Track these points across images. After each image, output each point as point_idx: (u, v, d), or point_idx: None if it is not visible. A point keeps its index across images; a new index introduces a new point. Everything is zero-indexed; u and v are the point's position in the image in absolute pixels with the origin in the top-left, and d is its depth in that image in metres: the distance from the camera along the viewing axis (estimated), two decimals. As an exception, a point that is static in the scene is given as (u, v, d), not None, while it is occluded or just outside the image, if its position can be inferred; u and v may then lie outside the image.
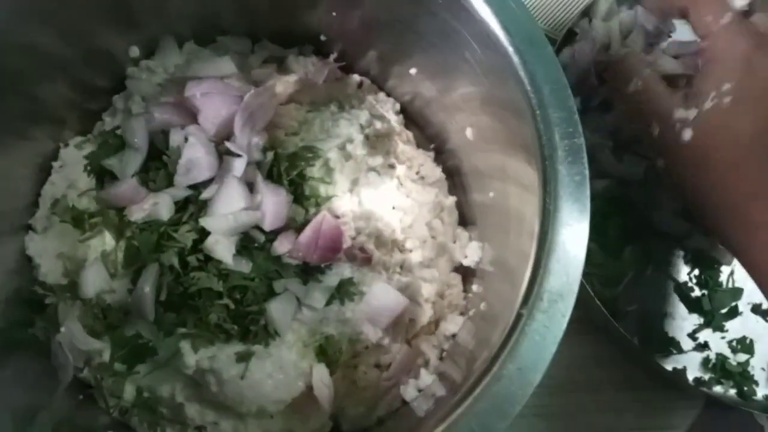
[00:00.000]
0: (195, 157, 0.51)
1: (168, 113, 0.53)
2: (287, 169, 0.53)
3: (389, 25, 0.60)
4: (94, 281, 0.53)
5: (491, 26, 0.47)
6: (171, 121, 0.53)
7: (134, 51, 0.62)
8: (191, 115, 0.54)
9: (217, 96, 0.53)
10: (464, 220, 0.66)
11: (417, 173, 0.65)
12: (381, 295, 0.54)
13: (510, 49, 0.46)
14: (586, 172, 0.43)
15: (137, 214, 0.52)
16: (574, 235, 0.42)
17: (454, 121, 0.64)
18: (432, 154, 0.68)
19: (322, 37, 0.66)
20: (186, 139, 0.52)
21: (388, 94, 0.69)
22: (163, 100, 0.57)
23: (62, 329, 0.54)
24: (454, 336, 0.60)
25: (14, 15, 0.50)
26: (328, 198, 0.55)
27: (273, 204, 0.50)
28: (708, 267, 0.71)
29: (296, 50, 0.67)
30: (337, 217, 0.55)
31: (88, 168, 0.58)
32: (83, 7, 0.55)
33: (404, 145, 0.66)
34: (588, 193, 0.43)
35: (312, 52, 0.67)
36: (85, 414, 0.56)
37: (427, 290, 0.60)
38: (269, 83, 0.56)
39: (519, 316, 0.41)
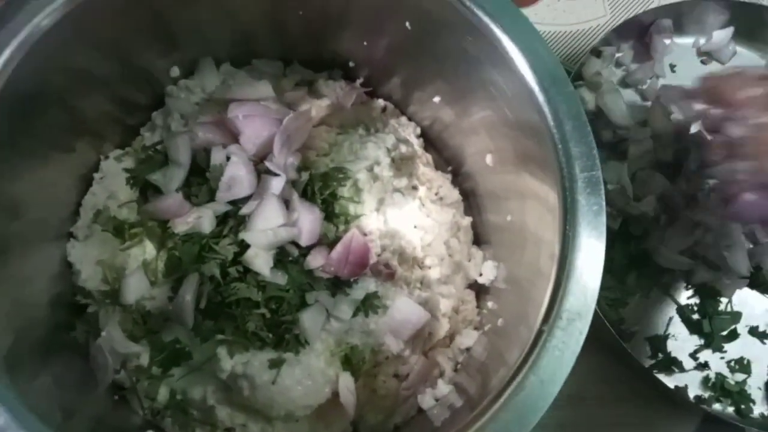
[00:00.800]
0: (236, 174, 0.55)
1: (211, 132, 0.57)
2: (321, 188, 0.56)
3: (415, 54, 0.64)
4: (136, 288, 0.57)
5: (518, 64, 0.51)
6: (213, 140, 0.57)
7: (175, 71, 0.66)
8: (232, 135, 0.57)
9: (258, 118, 0.56)
10: (477, 240, 0.70)
11: (436, 194, 0.69)
12: (404, 309, 0.58)
13: (536, 87, 0.50)
14: (603, 203, 0.47)
15: (181, 226, 0.55)
16: (591, 259, 0.46)
17: (471, 145, 0.68)
18: (449, 176, 0.71)
19: (351, 63, 0.70)
20: (228, 158, 0.56)
21: (410, 119, 0.73)
22: (202, 119, 0.60)
23: (103, 333, 0.57)
24: (468, 349, 0.63)
25: (65, 38, 0.53)
26: (357, 216, 0.59)
27: (309, 221, 0.54)
28: (709, 297, 0.74)
29: (326, 74, 0.71)
30: (365, 234, 0.59)
31: (131, 181, 0.61)
32: (128, 30, 0.58)
33: (424, 167, 0.70)
34: (604, 221, 0.47)
35: (341, 77, 0.71)
36: (119, 414, 0.59)
37: (445, 305, 0.63)
38: (305, 107, 0.60)
39: (540, 333, 0.45)
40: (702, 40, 0.87)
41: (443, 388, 0.58)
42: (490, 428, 0.43)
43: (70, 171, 0.63)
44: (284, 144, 0.55)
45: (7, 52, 0.47)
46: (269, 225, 0.53)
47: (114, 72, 0.61)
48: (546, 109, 0.50)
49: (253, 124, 0.56)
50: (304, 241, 0.54)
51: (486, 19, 0.52)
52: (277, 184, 0.54)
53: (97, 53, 0.58)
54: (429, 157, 0.71)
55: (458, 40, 0.57)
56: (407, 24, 0.59)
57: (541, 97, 0.50)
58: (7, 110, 0.48)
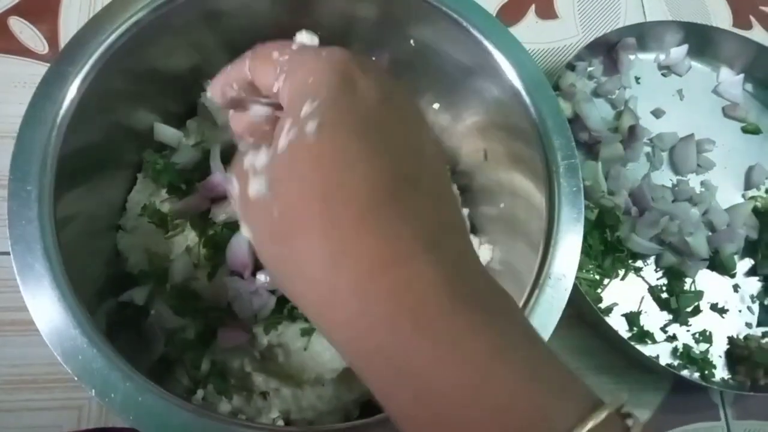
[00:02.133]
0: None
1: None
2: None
3: (416, 67, 0.74)
4: (182, 270, 0.65)
5: (507, 73, 0.61)
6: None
7: (207, 83, 0.75)
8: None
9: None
10: (473, 229, 0.80)
11: (437, 189, 0.79)
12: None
13: (522, 91, 0.60)
14: (581, 184, 0.57)
15: (220, 216, 0.64)
16: (572, 231, 0.56)
17: (465, 146, 0.78)
18: (448, 173, 0.81)
19: (360, 76, 0.80)
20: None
21: (411, 124, 0.83)
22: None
23: (152, 311, 0.65)
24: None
25: (124, 59, 0.61)
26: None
27: None
28: (675, 278, 0.85)
29: (338, 86, 0.81)
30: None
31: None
32: (171, 52, 0.68)
33: (426, 166, 0.79)
34: (582, 199, 0.57)
35: (350, 88, 0.81)
36: (165, 383, 0.67)
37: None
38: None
39: (533, 290, 0.54)
40: (662, 56, 0.99)
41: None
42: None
43: (119, 172, 0.71)
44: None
45: (84, 71, 0.56)
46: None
47: (155, 87, 0.70)
48: (531, 109, 0.60)
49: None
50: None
51: (480, 37, 0.62)
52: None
53: (144, 71, 0.67)
54: (429, 157, 0.81)
55: (456, 56, 0.68)
56: (411, 42, 0.70)
57: (527, 99, 0.60)
58: (81, 118, 0.57)
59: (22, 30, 0.87)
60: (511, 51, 0.61)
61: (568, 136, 0.58)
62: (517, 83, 0.61)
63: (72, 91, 0.55)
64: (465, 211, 0.78)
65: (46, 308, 0.47)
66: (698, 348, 0.82)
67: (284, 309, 0.62)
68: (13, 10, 0.88)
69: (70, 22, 0.88)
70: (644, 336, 0.81)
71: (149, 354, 0.64)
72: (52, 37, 0.87)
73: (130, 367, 0.47)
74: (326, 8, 0.71)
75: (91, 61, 0.56)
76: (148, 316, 0.66)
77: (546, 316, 0.53)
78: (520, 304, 0.55)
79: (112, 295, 0.65)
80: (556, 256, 0.55)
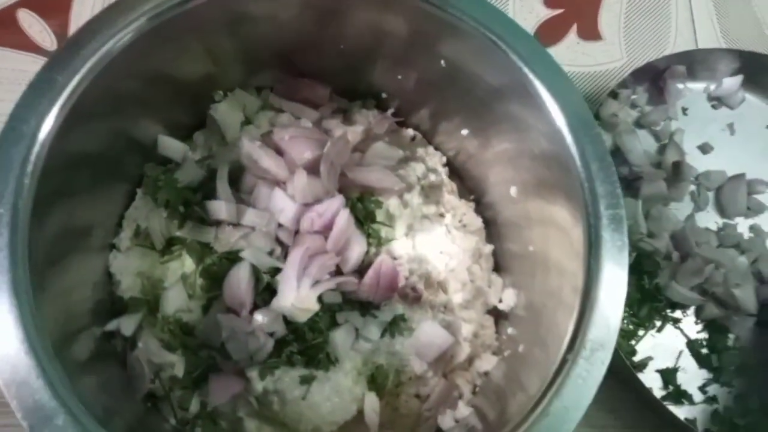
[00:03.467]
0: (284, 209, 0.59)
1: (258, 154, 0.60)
2: (360, 211, 0.59)
3: (445, 89, 0.68)
4: (174, 300, 0.59)
5: (548, 105, 0.54)
6: (260, 164, 0.60)
7: (219, 95, 0.69)
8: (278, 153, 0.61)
9: (302, 139, 0.60)
10: (497, 267, 0.73)
11: (460, 221, 0.72)
12: (429, 332, 0.61)
13: (564, 128, 0.53)
14: (626, 239, 0.50)
15: (223, 246, 0.58)
16: (613, 293, 0.49)
17: (494, 175, 0.71)
18: (473, 204, 0.75)
19: (384, 94, 0.74)
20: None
21: (436, 148, 0.76)
22: (246, 138, 0.64)
23: (139, 344, 0.60)
24: (486, 373, 0.66)
25: (126, 65, 0.56)
26: (389, 240, 0.62)
27: (357, 253, 0.57)
28: (718, 333, 0.77)
29: (359, 103, 0.74)
30: (394, 258, 0.62)
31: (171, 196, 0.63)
32: (179, 59, 0.62)
33: (449, 195, 0.73)
34: (627, 257, 0.50)
35: (373, 106, 0.75)
36: (152, 421, 0.61)
37: (466, 329, 0.66)
38: (342, 133, 0.63)
39: (564, 361, 0.47)
40: (713, 86, 0.91)
41: (463, 409, 0.61)
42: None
43: (117, 187, 0.66)
44: (329, 170, 0.58)
45: (77, 77, 0.50)
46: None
47: (163, 96, 0.65)
48: (573, 149, 0.53)
49: (298, 146, 0.59)
50: (347, 270, 0.57)
51: (519, 63, 0.56)
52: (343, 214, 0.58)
53: (150, 79, 0.61)
54: (454, 185, 0.74)
55: (489, 79, 0.61)
56: (442, 62, 0.63)
57: (569, 137, 0.53)
58: (71, 130, 0.51)
59: (32, 24, 0.83)
60: (554, 80, 0.55)
61: (613, 183, 0.51)
62: (559, 117, 0.54)
63: (60, 102, 0.49)
64: (489, 247, 0.71)
65: (7, 352, 0.42)
66: (741, 412, 0.74)
67: (282, 353, 0.56)
68: (24, 2, 0.83)
69: (82, 18, 0.84)
70: (681, 396, 0.74)
71: (134, 390, 0.59)
72: (62, 33, 0.83)
73: (98, 423, 0.42)
74: (354, 22, 0.65)
75: (85, 68, 0.51)
76: (135, 348, 0.60)
77: (578, 393, 0.46)
78: (548, 376, 0.48)
79: (98, 324, 0.60)
80: (593, 322, 0.48)
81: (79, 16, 0.84)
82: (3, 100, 0.79)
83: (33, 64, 0.81)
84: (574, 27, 0.93)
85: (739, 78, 0.89)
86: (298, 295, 0.53)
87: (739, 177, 0.85)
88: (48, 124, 0.48)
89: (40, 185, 0.48)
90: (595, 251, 0.50)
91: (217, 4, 0.59)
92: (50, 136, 0.48)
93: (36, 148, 0.47)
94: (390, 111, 0.74)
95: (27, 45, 0.82)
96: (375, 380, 0.60)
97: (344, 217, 0.56)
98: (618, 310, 0.49)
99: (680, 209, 0.83)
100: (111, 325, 0.59)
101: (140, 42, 0.56)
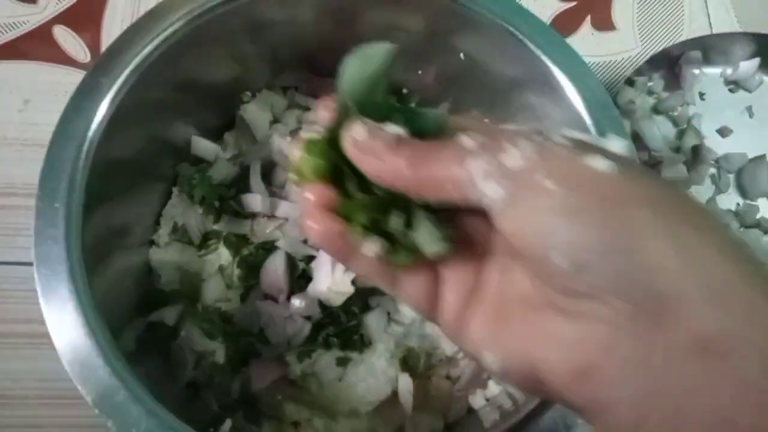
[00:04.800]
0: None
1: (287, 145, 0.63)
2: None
3: (465, 82, 0.70)
4: (213, 291, 0.62)
5: (568, 92, 0.56)
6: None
7: (247, 96, 0.72)
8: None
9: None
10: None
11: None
12: (459, 314, 0.62)
13: (584, 111, 0.55)
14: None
15: (260, 237, 0.61)
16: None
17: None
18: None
19: (404, 90, 0.76)
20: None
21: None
22: (277, 134, 0.66)
23: (182, 333, 0.63)
24: (515, 355, 0.67)
25: (162, 70, 0.59)
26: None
27: None
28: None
29: (381, 99, 0.77)
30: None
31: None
32: (210, 64, 0.65)
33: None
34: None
35: (395, 102, 0.77)
36: (193, 407, 0.64)
37: (494, 313, 0.67)
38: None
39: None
40: (729, 70, 0.92)
41: (494, 388, 0.62)
42: (552, 412, 0.47)
43: (153, 186, 0.69)
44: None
45: (120, 80, 0.54)
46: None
47: (194, 99, 0.68)
48: (593, 130, 0.55)
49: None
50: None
51: (538, 52, 0.58)
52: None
53: (182, 83, 0.64)
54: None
55: (508, 70, 0.63)
56: (461, 55, 0.66)
57: (588, 120, 0.55)
58: (115, 130, 0.54)
59: (66, 39, 0.87)
60: (571, 67, 0.56)
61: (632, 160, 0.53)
62: (578, 103, 0.56)
63: (105, 104, 0.52)
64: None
65: (69, 334, 0.45)
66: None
67: (319, 336, 0.58)
68: (58, 19, 0.87)
69: (112, 31, 0.88)
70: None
71: (177, 378, 0.62)
72: (94, 46, 0.87)
73: (155, 401, 0.44)
74: (371, 20, 0.67)
75: (126, 72, 0.54)
76: (177, 338, 0.63)
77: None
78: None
79: (141, 315, 0.63)
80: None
81: (109, 31, 0.88)
82: (41, 111, 0.83)
83: (68, 76, 0.85)
84: (588, 18, 0.95)
85: (756, 61, 0.90)
86: (333, 280, 0.55)
87: (760, 158, 0.85)
88: (96, 123, 0.51)
89: (89, 183, 0.51)
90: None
91: (238, 13, 0.62)
92: (98, 135, 0.51)
93: (86, 146, 0.50)
94: (411, 106, 0.76)
95: (62, 59, 0.86)
96: (407, 362, 0.63)
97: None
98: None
99: (701, 192, 0.84)
100: (154, 316, 0.62)
101: (173, 49, 0.59)
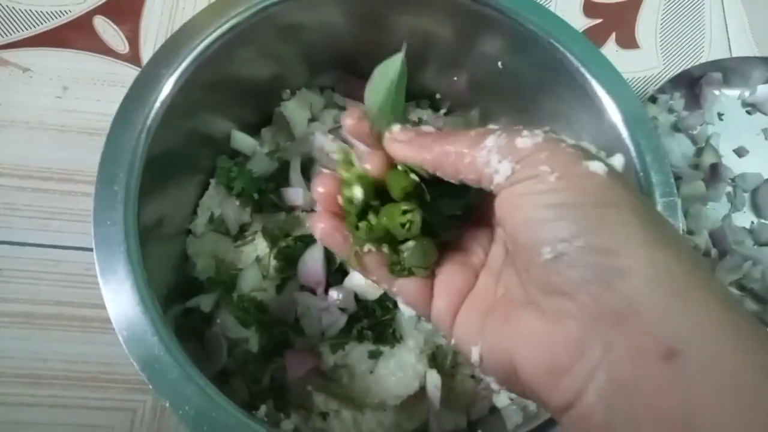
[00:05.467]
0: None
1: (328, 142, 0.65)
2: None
3: (499, 90, 0.72)
4: (250, 280, 0.64)
5: (605, 104, 0.58)
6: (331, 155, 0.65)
7: (286, 93, 0.75)
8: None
9: (369, 135, 0.64)
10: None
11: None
12: (487, 314, 0.64)
13: (620, 124, 0.57)
14: (680, 224, 0.54)
15: (298, 230, 0.63)
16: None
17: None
18: (521, 201, 0.79)
19: (438, 95, 0.79)
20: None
21: (485, 147, 0.81)
22: (317, 131, 0.68)
23: (218, 320, 0.64)
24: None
25: (209, 69, 0.61)
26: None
27: None
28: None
29: (414, 103, 0.79)
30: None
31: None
32: (252, 64, 0.68)
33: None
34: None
35: (427, 106, 0.79)
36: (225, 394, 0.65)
37: (518, 316, 0.69)
38: (403, 130, 0.68)
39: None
40: (747, 93, 0.94)
41: (518, 388, 0.64)
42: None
43: (192, 177, 0.71)
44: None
45: (176, 74, 0.56)
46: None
47: (235, 95, 0.70)
48: (629, 142, 0.57)
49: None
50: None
51: (576, 62, 0.60)
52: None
53: (226, 79, 0.66)
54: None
55: (544, 79, 0.65)
56: (499, 64, 0.68)
57: (624, 132, 0.57)
58: (167, 124, 0.56)
59: (105, 29, 0.89)
60: (608, 79, 0.59)
61: (667, 173, 0.55)
62: (615, 114, 0.58)
63: (164, 94, 0.54)
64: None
65: (127, 313, 0.46)
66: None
67: (353, 328, 0.60)
68: (99, 10, 0.89)
69: (151, 24, 0.90)
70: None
71: (211, 364, 0.63)
72: (132, 38, 0.89)
73: (205, 380, 0.46)
74: (404, 25, 0.70)
75: (183, 66, 0.56)
76: (212, 325, 0.65)
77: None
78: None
79: (179, 301, 0.64)
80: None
81: (148, 24, 0.90)
82: (79, 98, 0.85)
83: (105, 66, 0.87)
84: (613, 36, 0.98)
85: (772, 85, 0.93)
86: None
87: (775, 179, 0.88)
88: (154, 112, 0.53)
89: (144, 170, 0.53)
90: (651, 235, 0.54)
91: (272, 16, 0.64)
92: (155, 124, 0.53)
93: (143, 135, 0.52)
94: (442, 111, 0.79)
95: (101, 49, 0.88)
96: (435, 359, 0.64)
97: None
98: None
99: (717, 209, 0.86)
100: (192, 303, 0.64)
101: (220, 48, 0.61)
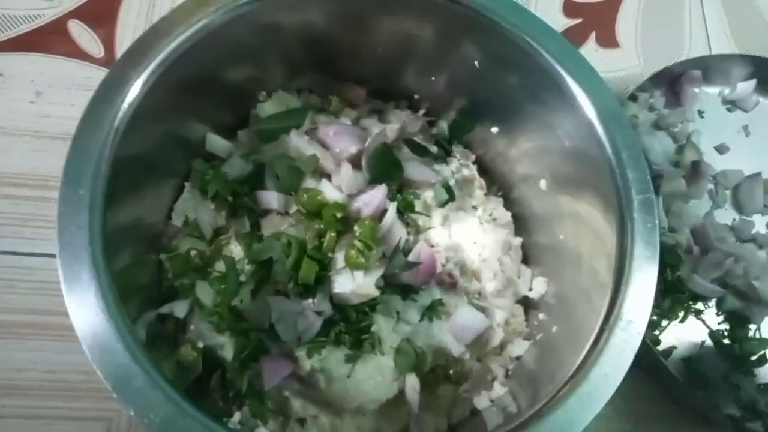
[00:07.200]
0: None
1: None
2: (404, 206, 0.63)
3: (477, 89, 0.72)
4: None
5: (580, 101, 0.58)
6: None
7: (263, 95, 0.74)
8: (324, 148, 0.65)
9: (345, 135, 0.64)
10: (526, 259, 0.76)
11: (490, 215, 0.75)
12: (466, 316, 0.64)
13: (596, 121, 0.57)
14: (656, 221, 0.54)
15: (268, 230, 0.62)
16: (646, 268, 0.52)
17: (522, 171, 0.74)
18: (501, 200, 0.78)
19: (416, 96, 0.78)
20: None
21: (465, 147, 0.80)
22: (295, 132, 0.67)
23: (191, 327, 0.63)
24: (518, 358, 0.69)
25: (182, 68, 0.60)
26: (426, 229, 0.65)
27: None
28: (739, 324, 0.80)
29: (393, 104, 0.79)
30: (432, 246, 0.65)
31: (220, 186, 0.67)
32: (228, 64, 0.66)
33: (478, 191, 0.76)
34: (657, 237, 0.53)
35: (406, 107, 0.79)
36: (199, 402, 0.64)
37: (499, 316, 0.69)
38: (380, 130, 0.67)
39: (601, 332, 0.50)
40: (727, 90, 0.95)
41: (499, 389, 0.63)
42: (557, 413, 0.48)
43: (166, 181, 0.70)
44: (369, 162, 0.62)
45: (145, 74, 0.55)
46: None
47: (210, 96, 0.69)
48: (605, 139, 0.56)
49: (342, 141, 0.63)
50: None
51: (552, 61, 0.59)
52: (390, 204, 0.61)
53: (200, 80, 0.65)
54: (482, 181, 0.78)
55: (521, 78, 0.65)
56: (476, 63, 0.67)
57: (600, 129, 0.57)
58: (135, 126, 0.55)
59: (81, 33, 0.88)
60: (584, 77, 0.58)
61: (643, 169, 0.55)
62: (590, 111, 0.58)
63: (131, 95, 0.53)
64: (518, 240, 0.75)
65: (90, 319, 0.45)
66: (764, 400, 0.76)
67: (330, 332, 0.59)
68: (74, 14, 0.88)
69: (127, 28, 0.89)
70: (704, 383, 0.76)
71: (186, 371, 0.62)
72: (108, 42, 0.87)
73: (172, 387, 0.45)
74: (384, 27, 0.69)
75: (152, 66, 0.55)
76: (186, 331, 0.63)
77: (616, 361, 0.49)
78: (586, 347, 0.51)
79: (153, 307, 0.63)
80: (627, 296, 0.51)
81: (124, 27, 0.89)
82: (53, 103, 0.84)
83: (80, 71, 0.86)
84: (593, 35, 0.98)
85: (752, 83, 0.93)
86: (356, 282, 0.56)
87: (756, 176, 0.88)
88: (121, 113, 0.52)
89: (112, 173, 0.52)
90: (628, 231, 0.53)
91: (249, 16, 0.63)
92: (123, 126, 0.52)
93: (111, 136, 0.51)
94: (421, 111, 0.78)
95: (76, 53, 0.87)
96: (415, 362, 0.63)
97: (393, 207, 0.60)
98: (651, 285, 0.52)
99: (699, 206, 0.86)
100: (165, 308, 0.63)
101: (193, 48, 0.60)
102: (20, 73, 0.84)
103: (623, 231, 0.53)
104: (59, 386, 0.72)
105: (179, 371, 0.61)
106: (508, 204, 0.78)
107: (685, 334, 0.79)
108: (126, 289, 0.57)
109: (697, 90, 0.92)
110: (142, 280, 0.64)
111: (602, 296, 0.53)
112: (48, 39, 0.86)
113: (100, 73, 0.85)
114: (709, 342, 0.79)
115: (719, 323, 0.80)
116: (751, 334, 0.79)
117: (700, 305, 0.80)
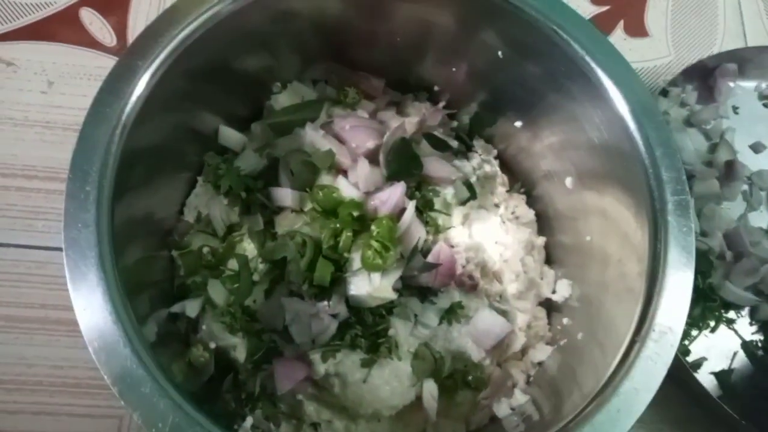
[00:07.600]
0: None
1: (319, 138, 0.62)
2: (423, 203, 0.60)
3: (499, 81, 0.68)
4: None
5: (611, 94, 0.55)
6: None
7: (277, 86, 0.71)
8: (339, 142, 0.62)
9: (362, 129, 0.61)
10: (548, 259, 0.73)
11: (512, 213, 0.72)
12: (487, 320, 0.61)
13: (628, 116, 0.53)
14: (692, 225, 0.50)
15: (284, 230, 0.59)
16: (681, 275, 0.49)
17: (546, 167, 0.71)
18: (524, 197, 0.75)
19: (436, 88, 0.75)
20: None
21: (487, 141, 0.77)
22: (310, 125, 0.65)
23: (203, 327, 0.61)
24: (540, 363, 0.66)
25: (194, 57, 0.58)
26: (446, 228, 0.63)
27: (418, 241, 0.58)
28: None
29: (412, 96, 0.76)
30: (452, 246, 0.62)
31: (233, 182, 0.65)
32: (241, 53, 0.64)
33: (501, 187, 0.73)
34: (693, 242, 0.50)
35: (425, 99, 0.76)
36: (211, 404, 0.62)
37: (520, 319, 0.66)
38: (399, 124, 0.64)
39: (632, 344, 0.47)
40: (764, 85, 0.90)
41: (520, 397, 0.61)
42: (585, 428, 0.45)
43: (178, 175, 0.68)
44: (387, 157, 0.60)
45: (154, 65, 0.52)
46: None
47: (223, 87, 0.66)
48: (637, 136, 0.53)
49: (358, 134, 0.61)
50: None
51: (581, 51, 0.56)
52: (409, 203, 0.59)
53: (213, 69, 0.63)
54: (505, 177, 0.75)
55: (547, 68, 0.61)
56: (499, 53, 0.64)
57: (632, 125, 0.53)
58: (147, 115, 0.53)
59: (92, 21, 0.86)
60: (616, 69, 0.55)
61: (679, 169, 0.51)
62: (621, 105, 0.54)
63: (140, 87, 0.51)
64: (541, 240, 0.72)
65: (97, 321, 0.43)
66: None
67: (346, 335, 0.56)
68: (86, 1, 0.86)
69: (139, 16, 0.86)
70: (736, 397, 0.72)
71: (198, 373, 0.60)
72: (120, 30, 0.85)
73: (180, 394, 0.43)
74: (402, 14, 0.66)
75: (162, 56, 0.53)
76: (198, 331, 0.61)
77: (648, 375, 0.46)
78: (616, 358, 0.48)
79: (165, 305, 0.61)
80: (660, 305, 0.48)
81: (136, 16, 0.87)
82: (65, 93, 0.82)
83: (92, 60, 0.84)
84: (621, 23, 0.94)
85: (791, 76, 0.88)
86: (373, 285, 0.54)
87: (794, 176, 0.84)
88: (130, 106, 0.50)
89: (120, 167, 0.50)
90: (662, 236, 0.50)
91: (261, 3, 0.60)
92: (131, 118, 0.50)
93: (119, 130, 0.49)
94: (441, 104, 0.75)
95: (88, 41, 0.85)
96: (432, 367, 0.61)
97: (412, 206, 0.57)
98: (686, 293, 0.48)
99: (733, 208, 0.82)
100: (176, 307, 0.61)
101: (205, 36, 0.57)
102: (31, 63, 0.82)
103: (656, 234, 0.50)
104: (70, 382, 0.70)
105: (190, 372, 0.60)
106: (531, 201, 0.75)
107: (717, 345, 0.75)
108: (136, 284, 0.56)
109: (731, 84, 0.88)
110: (153, 276, 0.63)
111: (632, 303, 0.50)
112: (59, 28, 0.84)
113: (111, 62, 0.80)
114: (741, 353, 0.75)
115: (753, 333, 0.76)
116: (786, 344, 0.76)
117: (732, 314, 0.76)
